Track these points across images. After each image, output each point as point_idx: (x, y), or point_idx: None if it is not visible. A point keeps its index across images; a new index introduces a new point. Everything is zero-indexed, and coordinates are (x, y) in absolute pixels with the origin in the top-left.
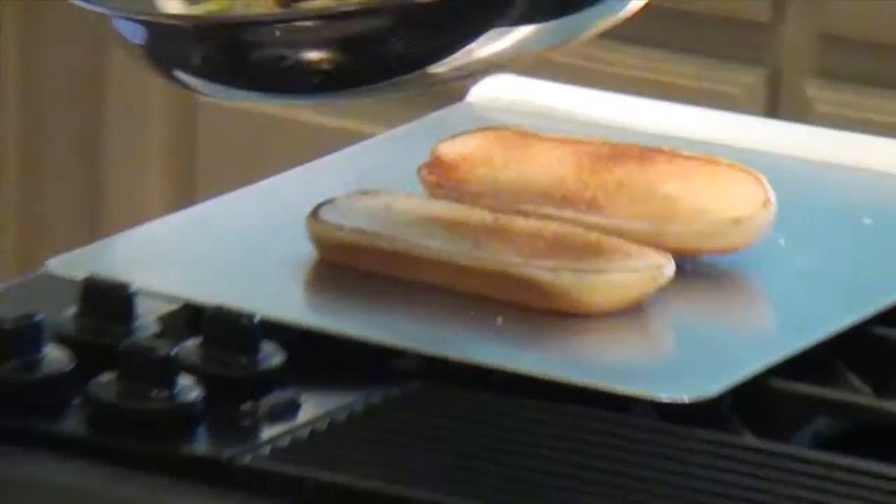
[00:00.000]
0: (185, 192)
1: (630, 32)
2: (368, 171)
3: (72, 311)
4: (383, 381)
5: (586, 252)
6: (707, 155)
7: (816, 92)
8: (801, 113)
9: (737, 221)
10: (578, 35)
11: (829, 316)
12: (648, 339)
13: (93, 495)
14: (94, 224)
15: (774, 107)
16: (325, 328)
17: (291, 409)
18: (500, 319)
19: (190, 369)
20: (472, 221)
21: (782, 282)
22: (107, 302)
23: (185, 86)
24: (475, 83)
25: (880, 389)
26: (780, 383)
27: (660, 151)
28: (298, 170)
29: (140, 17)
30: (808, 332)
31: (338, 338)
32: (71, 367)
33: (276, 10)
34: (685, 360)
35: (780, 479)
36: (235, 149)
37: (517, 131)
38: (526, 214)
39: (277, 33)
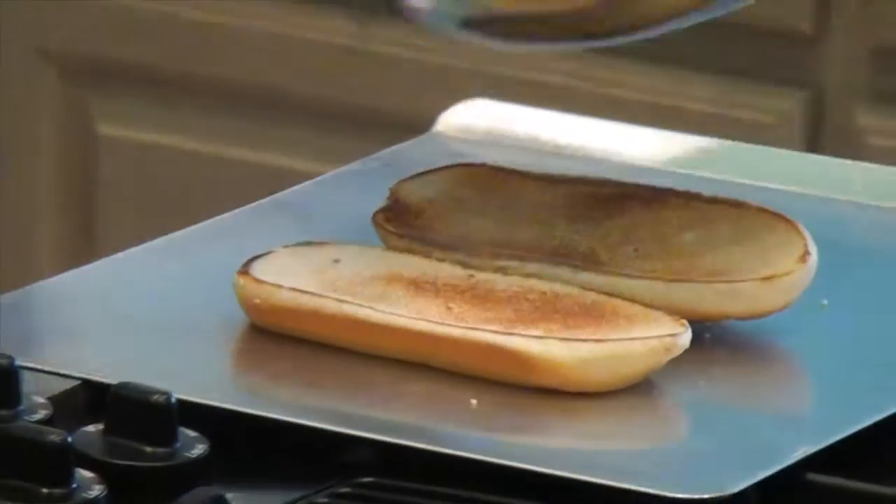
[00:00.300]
0: (83, 245)
1: (638, 47)
2: (312, 217)
3: None
4: (329, 476)
5: (581, 318)
6: (732, 197)
7: (867, 119)
8: (848, 145)
9: (768, 280)
10: None
11: (879, 396)
12: (657, 424)
13: None
14: None
15: (816, 138)
16: (257, 412)
17: None
18: (474, 401)
19: (89, 461)
20: (440, 280)
21: (824, 354)
22: None
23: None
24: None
25: None
26: (818, 477)
27: (674, 193)
28: (225, 217)
29: None
30: (855, 416)
31: (272, 424)
32: None
33: None
34: (702, 449)
35: None
36: (144, 192)
37: (495, 168)
38: (507, 272)
39: None
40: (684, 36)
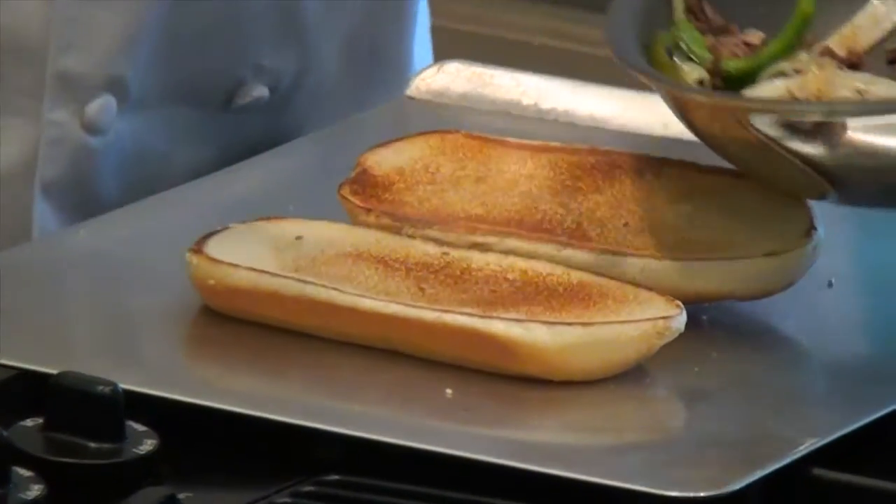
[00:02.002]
0: None
1: None
2: (271, 190)
3: None
4: (291, 473)
5: (567, 299)
6: (730, 167)
7: None
8: None
9: (770, 256)
10: None
11: (890, 385)
12: (650, 415)
13: None
14: None
15: None
16: (212, 404)
17: None
18: (449, 391)
19: (27, 459)
20: (411, 258)
21: (830, 338)
22: None
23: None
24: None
25: None
26: (825, 473)
27: (667, 162)
28: (176, 189)
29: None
30: (863, 407)
31: (229, 417)
32: None
33: None
34: (699, 443)
35: None
36: None
37: (471, 136)
38: (485, 249)
39: None
40: None
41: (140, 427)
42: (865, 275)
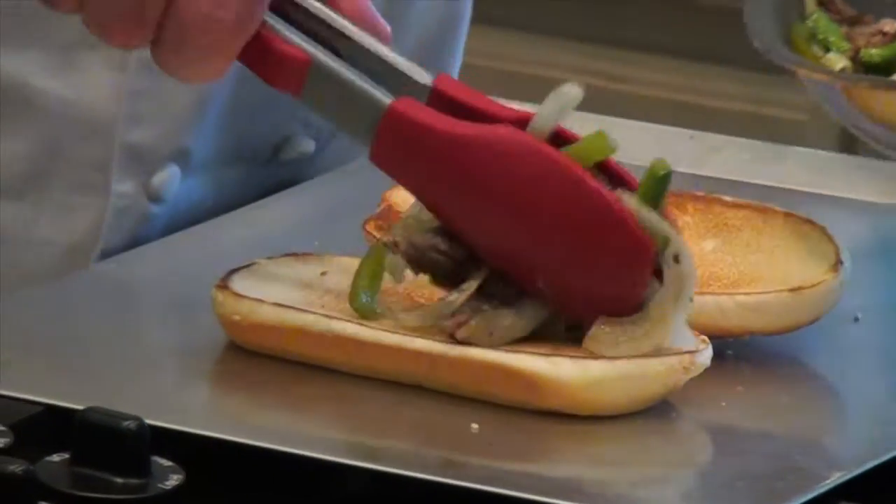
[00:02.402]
0: None
1: (660, 38)
2: (297, 226)
3: None
4: None
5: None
6: (757, 202)
7: None
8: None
9: (796, 291)
10: None
11: None
12: (676, 449)
13: None
14: None
15: (853, 138)
16: (238, 439)
17: None
18: (475, 426)
19: (54, 494)
20: (436, 294)
21: (856, 373)
22: None
23: None
24: None
25: None
26: None
27: (692, 197)
28: (200, 225)
29: None
30: (890, 441)
31: (255, 452)
32: None
33: None
34: (725, 477)
35: None
36: None
37: None
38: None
39: None
40: (707, 28)
41: (166, 462)
42: (892, 310)
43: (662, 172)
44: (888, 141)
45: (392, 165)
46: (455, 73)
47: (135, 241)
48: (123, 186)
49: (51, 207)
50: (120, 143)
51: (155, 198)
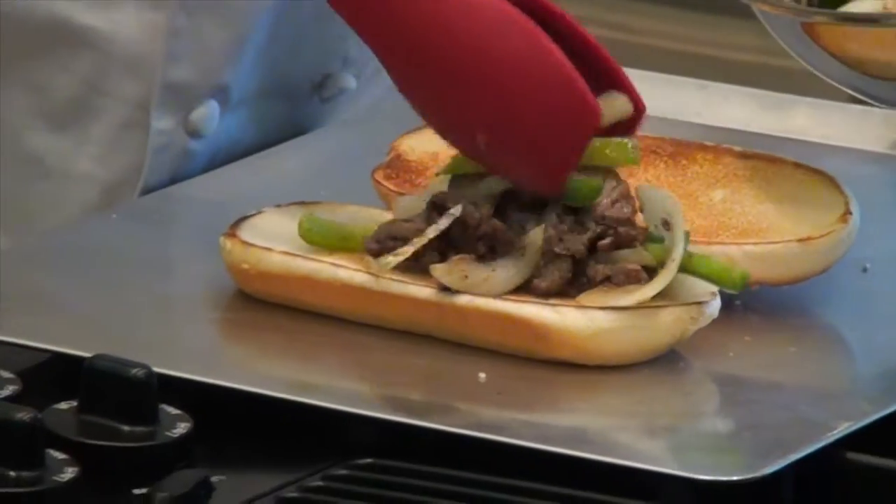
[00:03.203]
0: None
1: None
2: (306, 174)
3: None
4: (324, 457)
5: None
6: (766, 153)
7: None
8: None
9: (805, 241)
10: None
11: None
12: (683, 400)
13: None
14: None
15: None
16: (245, 388)
17: (202, 494)
18: (483, 376)
19: (62, 441)
20: None
21: (865, 323)
22: None
23: None
24: None
25: None
26: (858, 457)
27: (702, 147)
28: (211, 173)
29: None
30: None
31: (262, 401)
32: None
33: None
34: (732, 427)
35: None
36: None
37: None
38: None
39: None
40: None
41: (174, 410)
42: None
43: None
44: (845, 79)
45: (348, 10)
46: None
47: (176, 178)
48: (163, 123)
49: (93, 143)
50: (161, 80)
51: (194, 133)
